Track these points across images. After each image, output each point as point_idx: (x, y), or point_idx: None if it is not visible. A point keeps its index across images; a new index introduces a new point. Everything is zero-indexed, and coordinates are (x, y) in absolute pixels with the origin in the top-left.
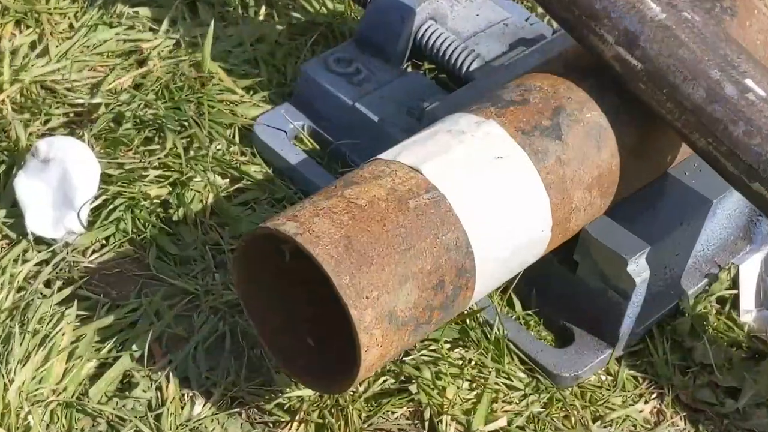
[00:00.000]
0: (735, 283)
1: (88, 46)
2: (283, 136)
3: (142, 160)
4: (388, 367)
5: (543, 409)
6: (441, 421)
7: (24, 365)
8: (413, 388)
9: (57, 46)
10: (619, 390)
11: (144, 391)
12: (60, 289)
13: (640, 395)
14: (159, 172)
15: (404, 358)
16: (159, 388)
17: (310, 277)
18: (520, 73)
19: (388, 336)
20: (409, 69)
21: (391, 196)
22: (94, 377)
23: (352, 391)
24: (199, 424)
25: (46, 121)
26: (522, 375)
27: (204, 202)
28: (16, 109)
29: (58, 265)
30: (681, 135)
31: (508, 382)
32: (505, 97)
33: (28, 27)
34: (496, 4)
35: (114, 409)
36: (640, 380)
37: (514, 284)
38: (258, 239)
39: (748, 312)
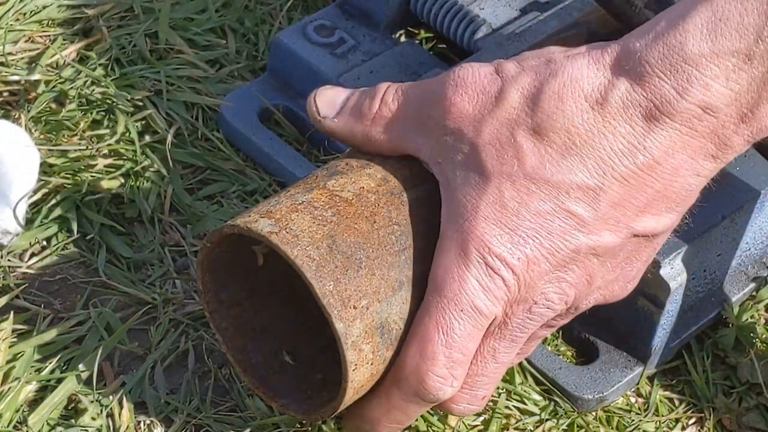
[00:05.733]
0: None
1: (24, 13)
2: (254, 118)
3: (89, 147)
4: None
5: None
6: None
7: None
8: None
9: None
10: (651, 414)
11: (93, 419)
12: None
13: (677, 420)
14: (109, 160)
15: None
16: (110, 415)
17: (287, 284)
18: (533, 43)
19: (380, 352)
20: (403, 38)
21: (382, 187)
22: (34, 402)
23: (338, 418)
24: None
25: None
26: (537, 397)
27: (162, 196)
28: None
29: None
30: None
31: (521, 405)
32: None
33: None
34: None
35: None
36: (677, 403)
37: None
38: (226, 239)
39: None
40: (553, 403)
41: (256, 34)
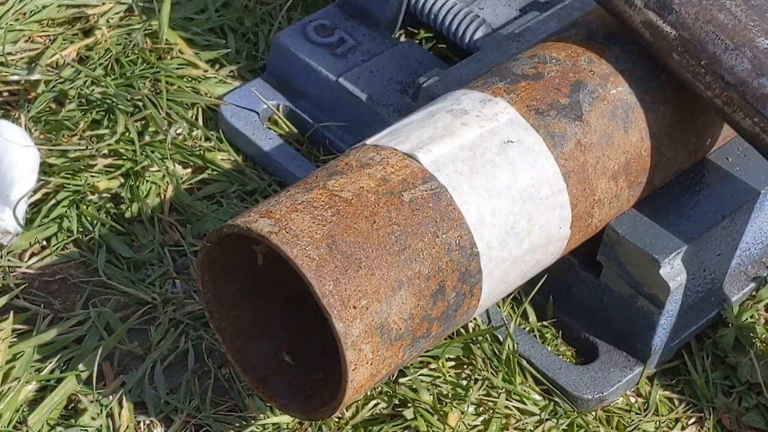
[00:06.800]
0: None
1: (24, 13)
2: (254, 118)
3: (89, 147)
4: (379, 389)
5: None
6: None
7: None
8: (409, 413)
9: None
10: (651, 414)
11: (93, 419)
12: None
13: (677, 420)
14: (109, 160)
15: (399, 378)
16: (110, 415)
17: (287, 284)
18: (533, 42)
19: (380, 352)
20: (403, 38)
21: (381, 187)
22: (34, 402)
23: (338, 417)
24: None
25: None
26: (537, 397)
27: (162, 195)
28: None
29: None
30: (722, 114)
31: (521, 405)
32: (515, 71)
33: None
34: None
35: None
36: (676, 402)
37: (532, 292)
38: (225, 239)
39: None
40: (553, 403)
41: (256, 34)
